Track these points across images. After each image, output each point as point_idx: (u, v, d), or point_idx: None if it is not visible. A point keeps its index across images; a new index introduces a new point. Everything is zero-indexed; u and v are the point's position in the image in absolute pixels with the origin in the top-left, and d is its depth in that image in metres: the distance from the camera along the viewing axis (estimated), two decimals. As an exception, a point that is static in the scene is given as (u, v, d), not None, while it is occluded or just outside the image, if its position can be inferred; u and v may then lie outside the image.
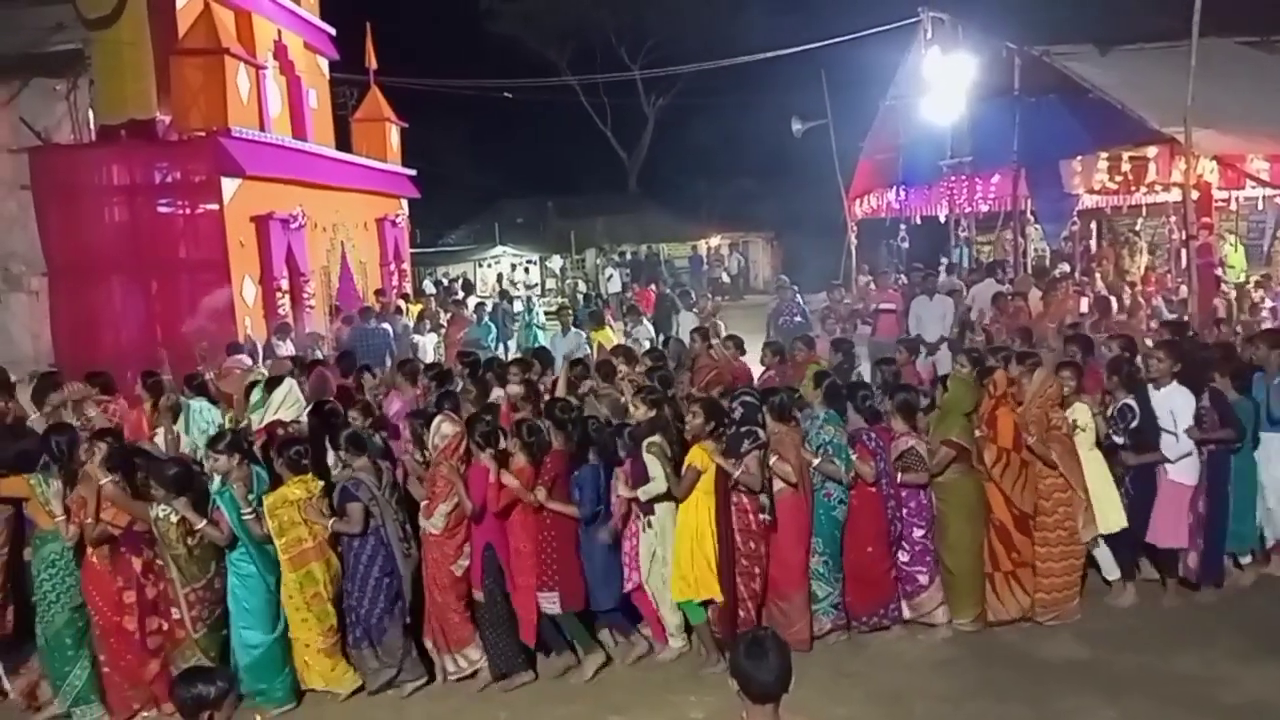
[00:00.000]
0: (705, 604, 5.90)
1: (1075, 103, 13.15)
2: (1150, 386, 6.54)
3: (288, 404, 7.39)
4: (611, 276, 28.25)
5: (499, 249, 33.44)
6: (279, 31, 16.09)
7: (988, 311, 11.36)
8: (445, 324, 14.63)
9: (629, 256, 33.07)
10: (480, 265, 32.95)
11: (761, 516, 5.91)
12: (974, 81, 14.76)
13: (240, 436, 6.28)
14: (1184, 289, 12.29)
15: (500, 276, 28.96)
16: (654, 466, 5.89)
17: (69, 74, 13.94)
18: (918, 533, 6.24)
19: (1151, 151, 12.21)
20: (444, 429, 5.98)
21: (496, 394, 7.47)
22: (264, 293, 13.59)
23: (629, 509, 6.05)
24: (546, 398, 7.20)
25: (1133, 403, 6.42)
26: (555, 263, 33.71)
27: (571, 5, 35.37)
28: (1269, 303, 12.68)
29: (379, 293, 16.97)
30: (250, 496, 5.69)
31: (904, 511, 6.25)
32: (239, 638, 5.72)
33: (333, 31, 18.64)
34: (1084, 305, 12.24)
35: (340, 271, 16.76)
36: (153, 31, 13.17)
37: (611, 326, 13.63)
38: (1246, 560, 6.79)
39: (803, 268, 23.91)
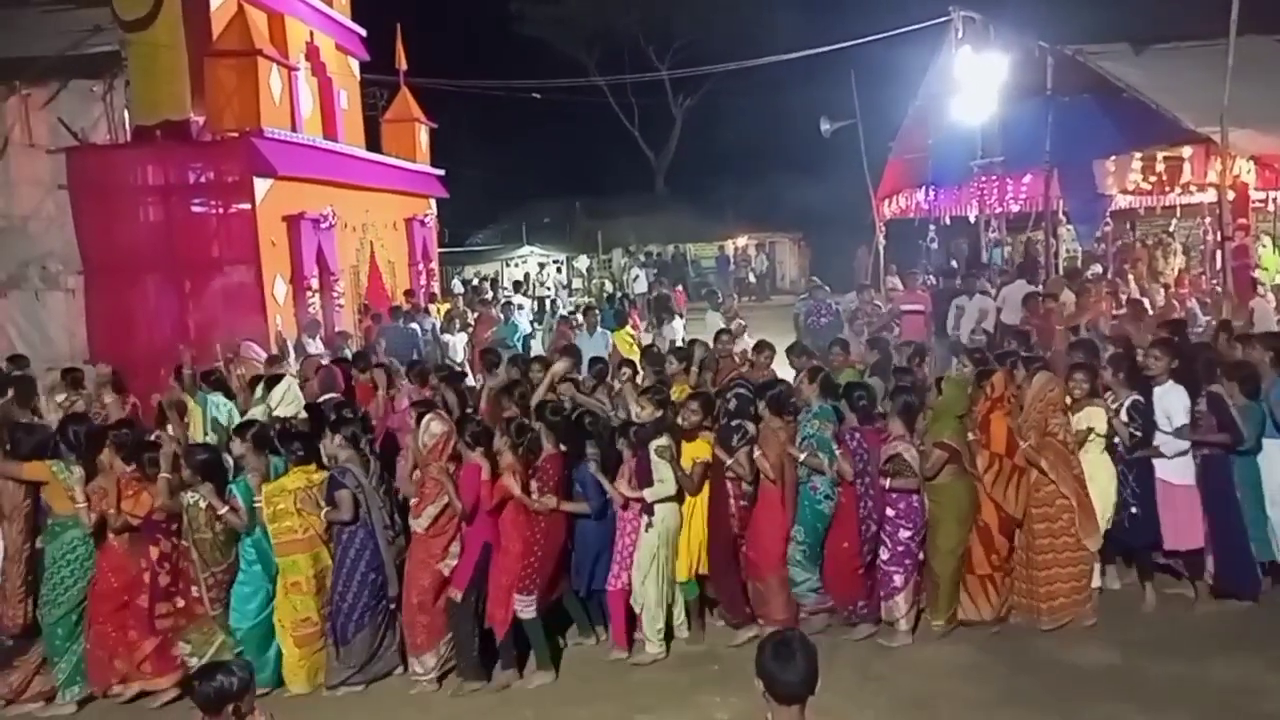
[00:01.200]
0: (700, 581, 6.20)
1: (1109, 102, 12.99)
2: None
3: (286, 401, 7.61)
4: (637, 277, 28.23)
5: (526, 249, 33.54)
6: (311, 33, 16.24)
7: (1018, 312, 11.26)
8: (473, 323, 14.70)
9: (655, 256, 33.04)
10: (508, 265, 33.07)
11: (743, 502, 6.24)
12: (1005, 81, 14.61)
13: (265, 428, 6.43)
14: (1219, 291, 12.11)
15: (527, 276, 29.02)
16: (662, 469, 5.98)
17: (106, 75, 14.11)
18: (904, 534, 6.20)
19: (1187, 152, 12.05)
20: (433, 428, 6.01)
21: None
22: (295, 291, 13.71)
23: (627, 505, 6.14)
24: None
25: (1140, 398, 6.35)
26: (582, 263, 33.75)
27: (600, 7, 35.42)
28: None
29: (408, 293, 17.08)
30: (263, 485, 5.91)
31: (891, 512, 6.23)
32: (231, 620, 5.93)
33: (364, 33, 18.77)
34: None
35: (369, 271, 16.89)
36: (187, 33, 13.32)
37: (636, 326, 13.63)
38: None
39: (830, 268, 23.79)
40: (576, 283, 32.22)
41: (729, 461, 6.14)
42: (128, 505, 5.87)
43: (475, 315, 15.17)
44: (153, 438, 6.65)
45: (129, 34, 13.25)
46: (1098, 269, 16.04)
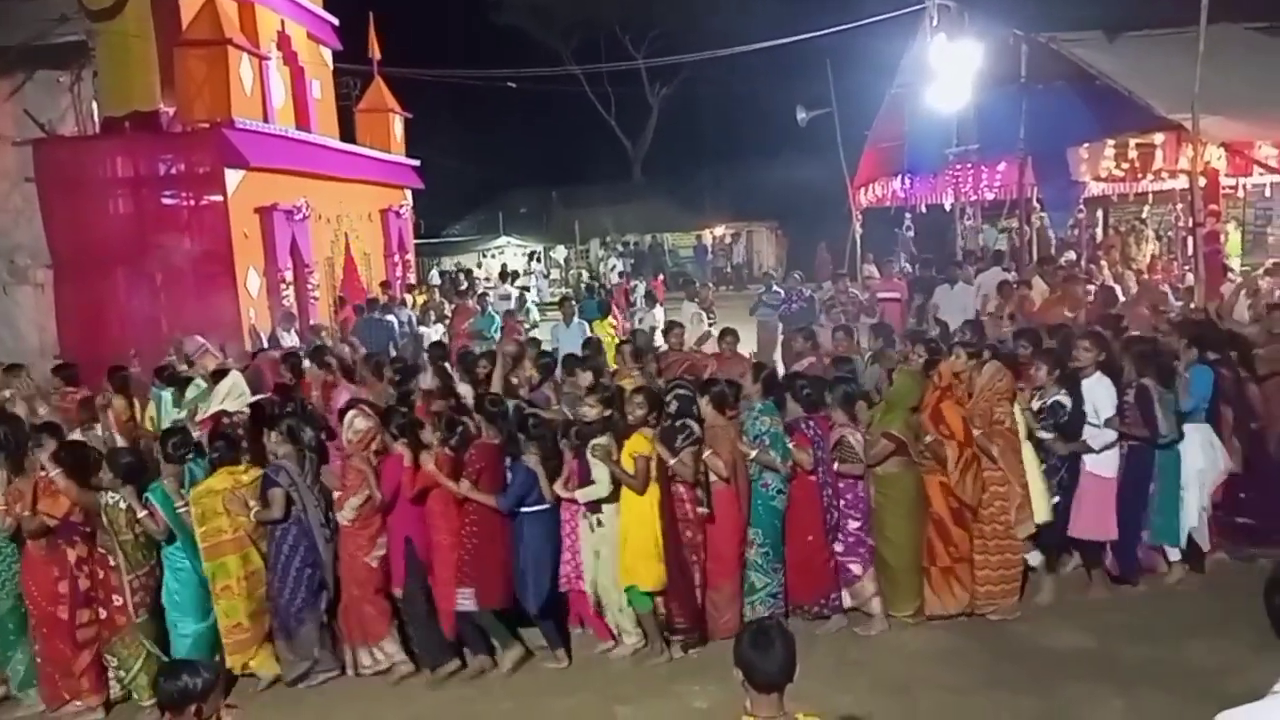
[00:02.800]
0: (652, 593, 5.94)
1: (1082, 90, 13.07)
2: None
3: (233, 396, 7.60)
4: (614, 267, 28.22)
5: (503, 239, 33.45)
6: (282, 22, 16.06)
7: (993, 299, 11.32)
8: (450, 315, 14.63)
9: (632, 246, 33.01)
10: (484, 256, 32.95)
11: (700, 510, 6.00)
12: (980, 69, 14.66)
13: (186, 435, 6.39)
14: (1190, 277, 12.22)
15: (504, 267, 28.97)
16: (598, 469, 5.88)
17: (73, 66, 13.90)
18: (853, 524, 6.22)
19: (1159, 138, 12.14)
20: (357, 424, 6.02)
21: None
22: (268, 284, 13.59)
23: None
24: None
25: (1064, 399, 6.33)
26: (559, 253, 33.68)
27: (575, -5, 35.29)
28: (1278, 292, 12.59)
29: (384, 284, 16.97)
30: (183, 490, 5.86)
31: (841, 503, 6.23)
32: (173, 627, 5.86)
33: (336, 22, 18.59)
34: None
35: (344, 263, 16.76)
36: (156, 23, 13.17)
37: (615, 317, 13.61)
38: (1175, 557, 6.66)
39: (807, 257, 23.85)
40: (554, 273, 32.16)
41: (672, 461, 5.87)
42: (44, 505, 5.75)
43: (453, 307, 15.09)
44: (73, 437, 6.59)
45: (96, 23, 13.08)
46: (1071, 256, 16.16)
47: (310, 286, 14.81)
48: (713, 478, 6.06)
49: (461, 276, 25.37)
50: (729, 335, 8.84)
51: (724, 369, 7.95)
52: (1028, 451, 6.40)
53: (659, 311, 13.02)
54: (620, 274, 26.65)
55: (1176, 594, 6.55)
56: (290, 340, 11.47)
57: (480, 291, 17.28)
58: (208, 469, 6.05)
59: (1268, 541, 6.61)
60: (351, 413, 6.14)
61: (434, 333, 13.45)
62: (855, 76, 18.70)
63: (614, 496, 5.92)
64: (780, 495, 6.20)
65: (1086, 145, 13.08)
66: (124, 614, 5.75)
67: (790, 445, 6.17)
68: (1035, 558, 6.53)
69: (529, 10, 35.49)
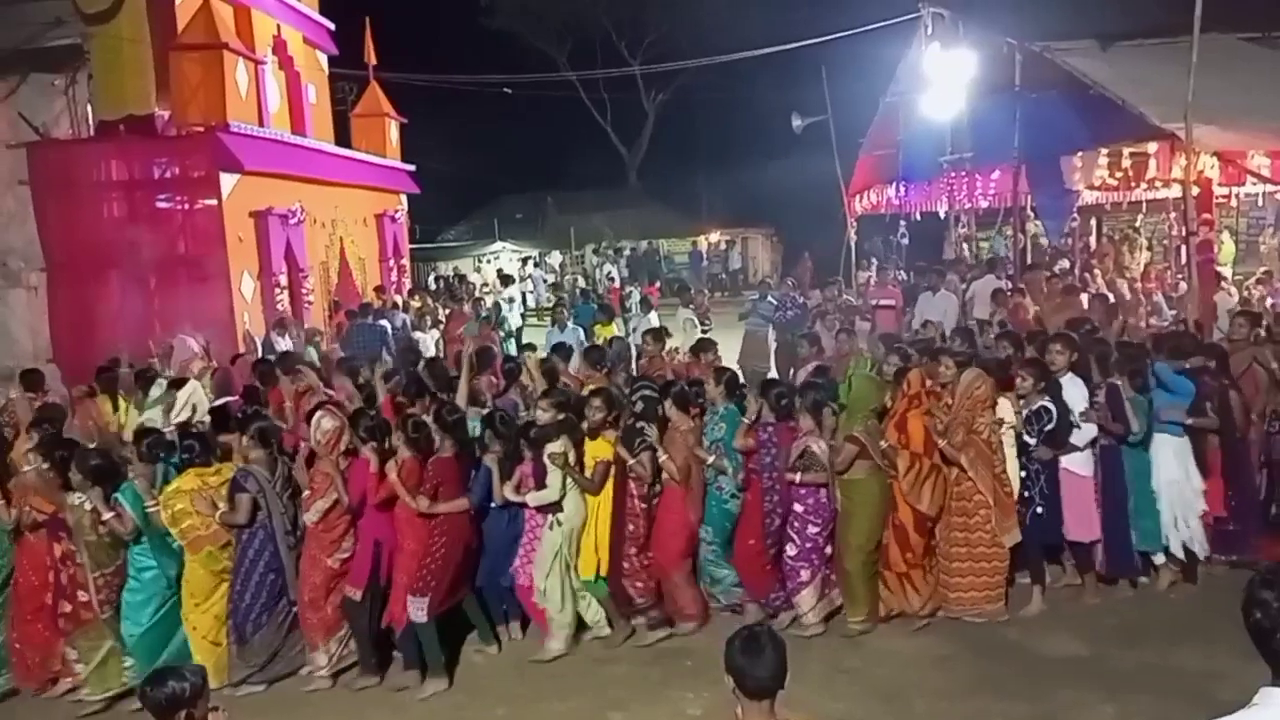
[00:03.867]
0: (606, 578, 6.17)
1: (1076, 98, 13.12)
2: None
3: (191, 402, 7.69)
4: (609, 273, 28.25)
5: (498, 245, 33.42)
6: (278, 26, 16.06)
7: (988, 307, 11.35)
8: (444, 320, 14.61)
9: (627, 252, 33.03)
10: (480, 261, 32.93)
11: (642, 505, 6.21)
12: (974, 77, 14.73)
13: (160, 436, 6.45)
14: (1183, 285, 12.27)
15: (499, 271, 28.98)
16: (552, 475, 5.97)
17: (67, 69, 13.89)
18: (811, 529, 6.23)
19: (1152, 147, 12.18)
20: (324, 424, 5.98)
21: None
22: (263, 288, 13.58)
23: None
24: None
25: (1049, 404, 6.36)
26: (554, 258, 33.66)
27: (572, 1, 35.29)
28: (1270, 300, 12.65)
29: (379, 289, 16.96)
30: (154, 490, 5.90)
31: (799, 508, 6.25)
32: (123, 626, 5.90)
33: (332, 26, 18.61)
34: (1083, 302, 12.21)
35: (340, 267, 16.75)
36: (151, 26, 13.14)
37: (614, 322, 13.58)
38: (1160, 560, 6.68)
39: (813, 263, 23.82)
40: (549, 277, 32.12)
41: (630, 461, 6.10)
42: (37, 501, 5.92)
43: (447, 312, 15.08)
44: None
45: (91, 27, 13.07)
46: (1065, 264, 16.21)
47: (305, 291, 14.79)
48: (665, 477, 6.24)
49: (456, 281, 25.36)
50: (708, 348, 8.79)
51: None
52: (1009, 453, 6.41)
53: (653, 316, 13.02)
54: (610, 278, 26.69)
55: (1168, 600, 6.57)
56: (284, 345, 11.44)
57: (475, 296, 17.26)
58: (179, 469, 6.10)
59: (1250, 548, 6.65)
60: (319, 413, 6.11)
61: (429, 338, 13.44)
62: (850, 84, 18.77)
63: (563, 501, 6.03)
64: (734, 500, 6.35)
65: (1080, 154, 13.13)
66: (90, 610, 5.88)
67: (740, 434, 6.26)
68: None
69: (524, 16, 35.52)
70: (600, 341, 10.70)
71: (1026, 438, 6.42)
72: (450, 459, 5.98)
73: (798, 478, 6.15)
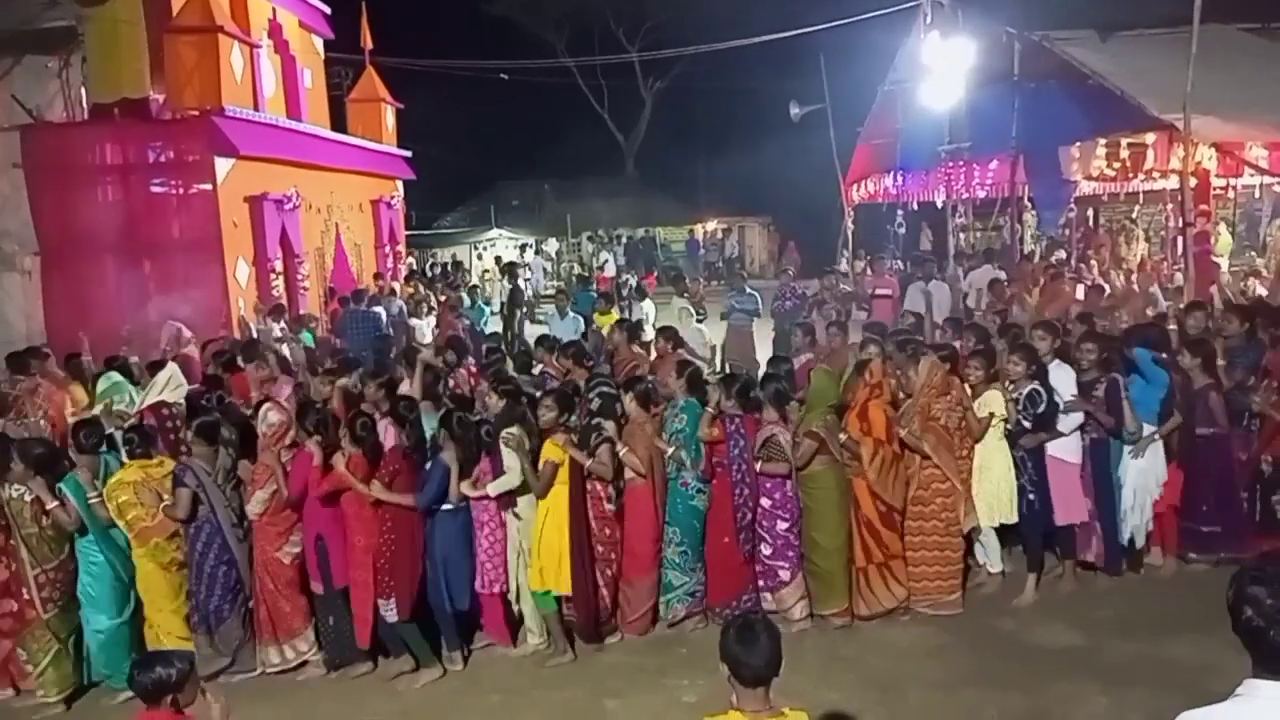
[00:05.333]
0: (558, 596, 5.94)
1: (1075, 89, 13.11)
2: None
3: (170, 386, 7.59)
4: (607, 261, 28.21)
5: (495, 232, 33.34)
6: (274, 10, 15.97)
7: (985, 297, 11.35)
8: (439, 306, 14.57)
9: (624, 240, 32.97)
10: (476, 248, 32.85)
11: (608, 506, 6.04)
12: (973, 66, 14.70)
13: (98, 428, 6.38)
14: (1179, 276, 12.28)
15: (498, 259, 28.95)
16: (509, 458, 5.84)
17: (62, 51, 13.80)
18: (781, 525, 6.20)
19: (1150, 138, 12.20)
20: (270, 417, 5.98)
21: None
22: (258, 274, 13.53)
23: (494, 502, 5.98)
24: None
25: (1039, 388, 6.41)
26: (551, 245, 33.60)
27: (569, -14, 35.16)
28: (1262, 291, 12.67)
29: (377, 275, 16.92)
30: (97, 482, 5.85)
31: (767, 503, 6.20)
32: (86, 623, 5.84)
33: (328, 10, 18.50)
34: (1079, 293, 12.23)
35: (335, 253, 16.69)
36: (146, 9, 13.06)
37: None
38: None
39: (799, 252, 23.81)
40: (547, 265, 32.09)
41: (588, 464, 5.87)
42: None
43: (442, 298, 15.04)
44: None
45: (85, 9, 12.98)
46: (1061, 255, 16.23)
47: (300, 277, 14.75)
48: (628, 474, 6.09)
49: (452, 268, 25.30)
50: (664, 337, 8.79)
51: (662, 368, 7.88)
52: (1004, 448, 6.43)
53: (647, 305, 13.01)
54: (600, 268, 26.65)
55: (1162, 591, 6.58)
56: (278, 331, 11.41)
57: (471, 284, 17.23)
58: (124, 461, 6.05)
59: (1233, 547, 6.65)
60: (266, 405, 6.11)
61: (425, 325, 13.43)
62: (849, 73, 18.72)
63: (525, 487, 5.91)
64: (700, 495, 6.20)
65: (1078, 144, 13.13)
66: (32, 608, 5.74)
67: (704, 426, 6.14)
68: (997, 563, 6.58)
69: (522, 2, 35.32)
70: (604, 330, 10.64)
71: (1024, 422, 6.42)
72: (405, 451, 5.95)
73: (759, 465, 6.14)
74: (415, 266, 24.93)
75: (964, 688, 5.47)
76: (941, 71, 15.13)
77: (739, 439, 6.19)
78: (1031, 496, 6.45)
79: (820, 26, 19.29)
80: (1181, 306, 8.93)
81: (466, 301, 14.85)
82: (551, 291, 18.33)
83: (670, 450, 6.16)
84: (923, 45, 15.85)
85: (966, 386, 6.50)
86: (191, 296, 12.01)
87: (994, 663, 5.74)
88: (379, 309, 13.01)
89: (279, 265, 13.91)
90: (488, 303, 17.95)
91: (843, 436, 6.12)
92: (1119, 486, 6.62)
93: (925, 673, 5.68)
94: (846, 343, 8.79)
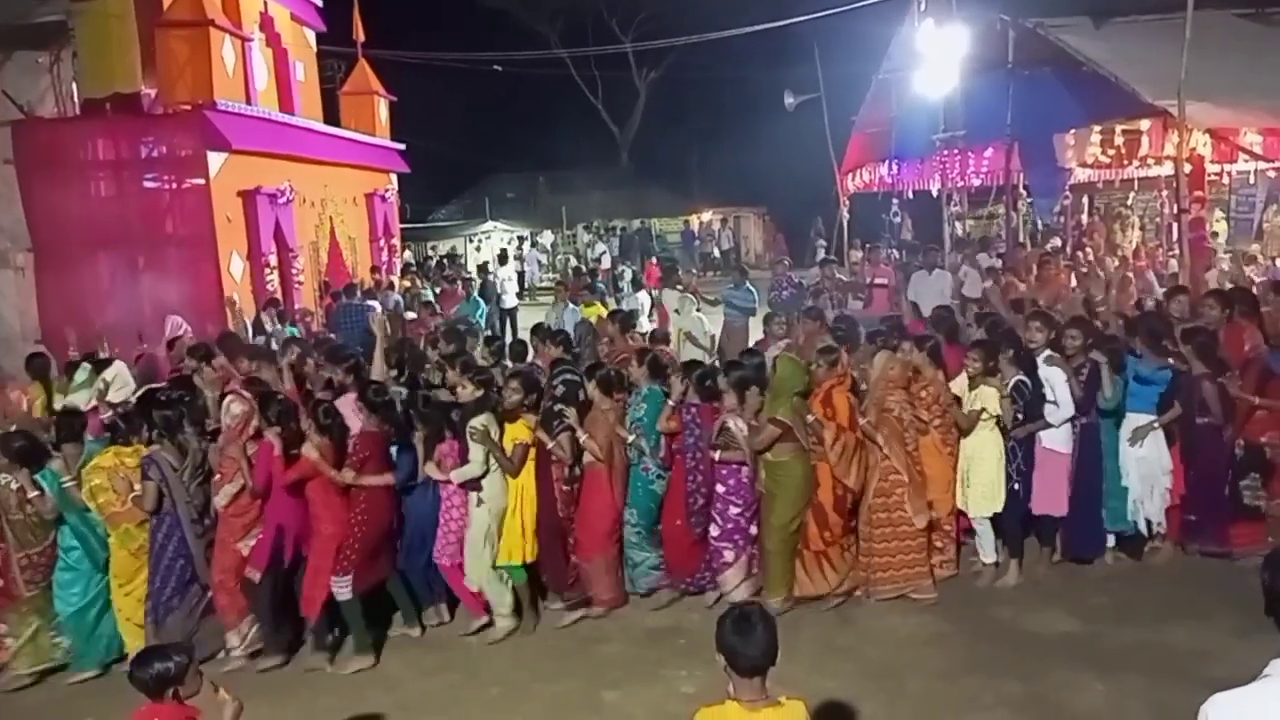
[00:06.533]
0: (529, 567, 6.19)
1: (1069, 76, 13.09)
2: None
3: (115, 386, 7.71)
4: (604, 252, 28.18)
5: (489, 224, 33.28)
6: (265, 3, 15.90)
7: (979, 286, 11.34)
8: (436, 300, 14.56)
9: (619, 231, 32.93)
10: (471, 241, 32.80)
11: (564, 487, 6.27)
12: (967, 54, 14.65)
13: (80, 418, 6.53)
14: (1175, 263, 12.28)
15: (504, 251, 28.93)
16: (475, 450, 5.96)
17: (52, 46, 13.73)
18: (733, 510, 6.30)
19: (1145, 125, 12.18)
20: (233, 408, 6.00)
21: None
22: (252, 268, 13.50)
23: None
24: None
25: (1025, 379, 6.45)
26: (546, 238, 33.57)
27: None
28: (1258, 279, 12.67)
29: (374, 269, 16.88)
30: (71, 469, 5.99)
31: (721, 489, 6.32)
32: (57, 607, 5.98)
33: (320, 3, 18.42)
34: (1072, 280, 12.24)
35: (329, 247, 16.65)
36: (137, 3, 13.00)
37: (604, 302, 13.55)
38: (1111, 544, 6.79)
39: (794, 242, 23.80)
40: (542, 258, 32.06)
41: (550, 444, 6.13)
42: None
43: (439, 291, 15.02)
44: None
45: (76, 4, 12.91)
46: (1056, 242, 16.22)
47: (295, 271, 14.71)
48: (587, 458, 6.28)
49: (447, 261, 25.25)
50: (614, 321, 9.03)
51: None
52: (995, 440, 6.43)
53: (643, 296, 12.99)
54: (596, 260, 26.63)
55: (1158, 578, 6.60)
56: (273, 326, 11.39)
57: (466, 276, 17.20)
58: (104, 446, 6.16)
59: (1212, 538, 6.70)
60: (229, 398, 6.13)
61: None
62: (843, 61, 18.69)
63: (486, 475, 6.03)
64: (660, 480, 6.41)
65: (1073, 131, 13.11)
66: (16, 587, 5.97)
67: (663, 417, 6.32)
68: (991, 554, 6.60)
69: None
70: (594, 320, 10.64)
71: (1016, 414, 6.43)
72: (376, 434, 6.01)
73: (717, 455, 6.24)
74: (413, 260, 24.95)
75: (962, 676, 5.48)
76: (935, 59, 15.08)
77: (694, 428, 6.37)
78: (1016, 485, 6.48)
79: (814, 15, 19.25)
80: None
81: (464, 295, 14.78)
82: (549, 284, 18.33)
83: (631, 438, 6.32)
84: (917, 33, 15.79)
85: (963, 378, 6.52)
86: (185, 292, 11.98)
87: (991, 651, 5.75)
88: (373, 302, 12.98)
89: (273, 260, 13.87)
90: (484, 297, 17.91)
91: (809, 417, 6.18)
92: (1123, 474, 6.61)
93: (923, 661, 5.69)
94: (820, 331, 8.74)
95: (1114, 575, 6.67)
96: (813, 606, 6.33)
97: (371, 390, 6.26)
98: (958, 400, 6.60)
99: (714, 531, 6.35)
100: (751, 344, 11.08)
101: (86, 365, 8.29)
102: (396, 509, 6.14)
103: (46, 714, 5.78)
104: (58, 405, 7.94)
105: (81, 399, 7.76)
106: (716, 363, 8.27)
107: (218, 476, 5.95)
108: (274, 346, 9.81)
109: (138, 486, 5.86)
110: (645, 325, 11.13)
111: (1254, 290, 9.31)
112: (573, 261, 29.04)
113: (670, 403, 6.40)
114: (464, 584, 6.20)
